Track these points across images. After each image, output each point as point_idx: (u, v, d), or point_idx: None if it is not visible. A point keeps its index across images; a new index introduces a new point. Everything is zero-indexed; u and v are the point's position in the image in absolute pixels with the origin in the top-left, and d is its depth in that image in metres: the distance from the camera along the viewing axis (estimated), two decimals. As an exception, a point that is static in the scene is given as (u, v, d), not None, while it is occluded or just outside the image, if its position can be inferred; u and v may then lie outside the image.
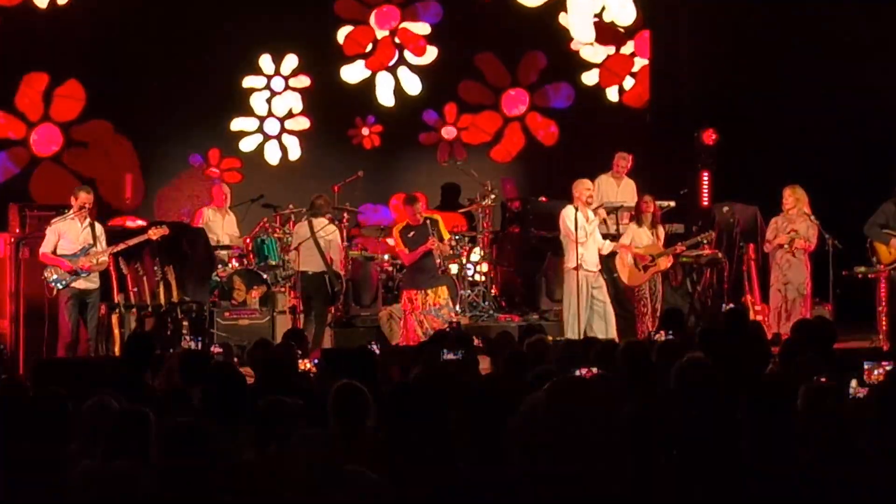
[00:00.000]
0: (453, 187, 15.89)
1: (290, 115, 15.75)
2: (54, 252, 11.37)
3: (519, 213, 14.90)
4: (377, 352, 8.23)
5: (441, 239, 11.99)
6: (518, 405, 5.70)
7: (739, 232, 13.36)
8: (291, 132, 15.80)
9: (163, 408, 6.18)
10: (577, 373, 6.93)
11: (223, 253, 13.52)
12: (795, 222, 12.58)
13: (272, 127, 15.75)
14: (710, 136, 15.48)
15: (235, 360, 10.81)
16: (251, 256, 13.54)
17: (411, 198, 12.30)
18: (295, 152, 15.80)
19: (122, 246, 11.67)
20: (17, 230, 12.21)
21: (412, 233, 11.92)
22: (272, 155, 15.75)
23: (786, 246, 12.42)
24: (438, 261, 11.88)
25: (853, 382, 6.08)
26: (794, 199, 12.54)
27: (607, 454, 4.05)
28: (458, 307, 12.79)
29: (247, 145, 15.65)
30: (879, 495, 3.89)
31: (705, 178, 15.52)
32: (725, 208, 13.66)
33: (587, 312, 11.91)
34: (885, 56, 15.10)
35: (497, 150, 16.44)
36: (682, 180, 15.07)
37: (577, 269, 11.89)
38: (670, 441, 4.98)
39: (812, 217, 12.59)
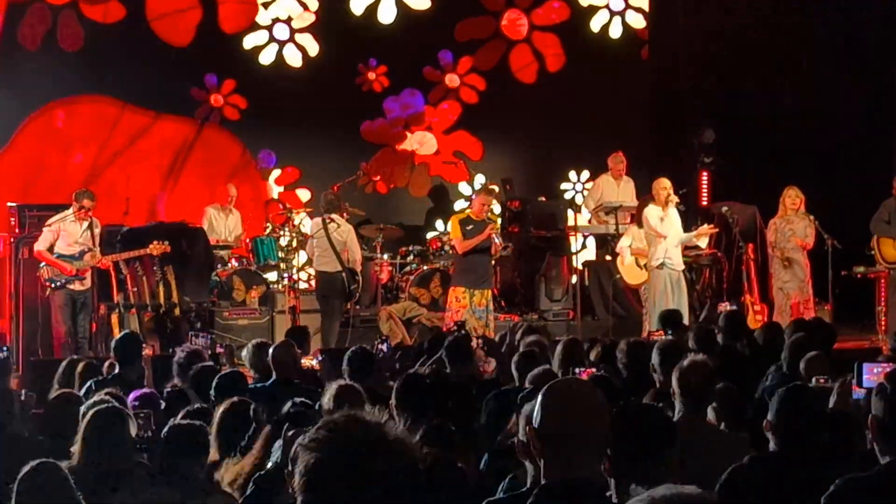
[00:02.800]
0: (452, 187, 15.94)
1: (292, 17, 15.69)
2: (50, 250, 11.39)
3: (519, 212, 14.89)
4: (385, 350, 8.21)
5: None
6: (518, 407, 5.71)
7: (738, 232, 13.36)
8: (302, 30, 15.71)
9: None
10: (577, 372, 6.94)
11: (223, 253, 13.53)
12: (793, 223, 12.58)
13: (282, 32, 15.67)
14: (709, 136, 15.49)
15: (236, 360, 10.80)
16: (250, 256, 13.56)
17: (490, 189, 12.17)
18: (313, 48, 15.71)
19: (117, 257, 11.74)
20: (17, 230, 12.22)
21: (471, 226, 11.69)
22: (293, 58, 15.68)
23: (783, 259, 12.46)
24: (495, 251, 11.64)
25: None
26: (800, 200, 12.56)
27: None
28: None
29: (266, 57, 15.58)
30: (879, 496, 3.89)
31: (705, 178, 15.52)
32: (725, 208, 13.66)
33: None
34: (884, 54, 15.10)
35: (550, 62, 16.45)
36: (681, 180, 15.07)
37: (660, 267, 11.82)
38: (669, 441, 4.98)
39: (810, 216, 12.59)
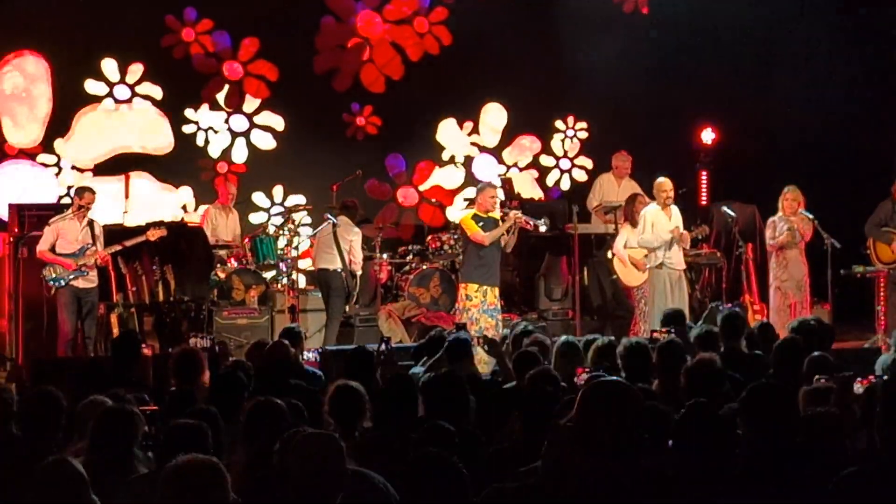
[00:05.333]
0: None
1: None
2: (52, 250, 11.39)
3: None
4: (386, 350, 8.18)
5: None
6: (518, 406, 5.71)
7: (738, 231, 13.36)
8: None
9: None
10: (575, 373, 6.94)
11: (222, 252, 13.54)
12: (792, 222, 12.57)
13: None
14: (709, 136, 15.49)
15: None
16: (250, 256, 13.57)
17: (491, 183, 11.97)
18: None
19: (118, 247, 11.71)
20: (16, 229, 12.23)
21: (482, 222, 11.30)
22: None
23: (789, 241, 12.40)
24: (505, 243, 11.35)
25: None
26: (797, 203, 12.56)
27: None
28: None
29: None
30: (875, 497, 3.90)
31: (704, 178, 15.52)
32: (724, 208, 13.66)
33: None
34: (882, 53, 15.12)
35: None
36: (680, 180, 15.07)
37: (660, 267, 11.80)
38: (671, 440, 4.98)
39: (809, 216, 12.59)
